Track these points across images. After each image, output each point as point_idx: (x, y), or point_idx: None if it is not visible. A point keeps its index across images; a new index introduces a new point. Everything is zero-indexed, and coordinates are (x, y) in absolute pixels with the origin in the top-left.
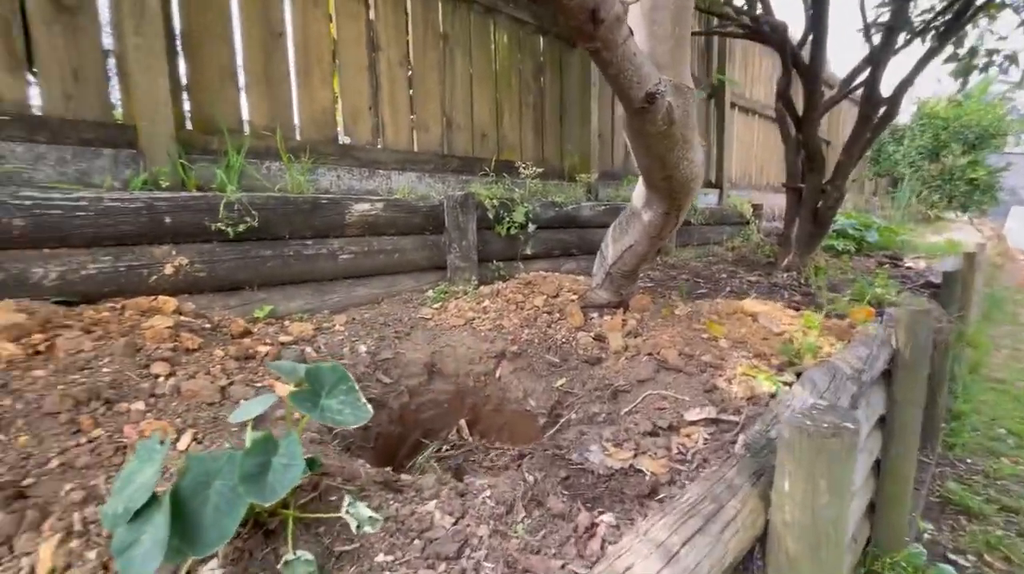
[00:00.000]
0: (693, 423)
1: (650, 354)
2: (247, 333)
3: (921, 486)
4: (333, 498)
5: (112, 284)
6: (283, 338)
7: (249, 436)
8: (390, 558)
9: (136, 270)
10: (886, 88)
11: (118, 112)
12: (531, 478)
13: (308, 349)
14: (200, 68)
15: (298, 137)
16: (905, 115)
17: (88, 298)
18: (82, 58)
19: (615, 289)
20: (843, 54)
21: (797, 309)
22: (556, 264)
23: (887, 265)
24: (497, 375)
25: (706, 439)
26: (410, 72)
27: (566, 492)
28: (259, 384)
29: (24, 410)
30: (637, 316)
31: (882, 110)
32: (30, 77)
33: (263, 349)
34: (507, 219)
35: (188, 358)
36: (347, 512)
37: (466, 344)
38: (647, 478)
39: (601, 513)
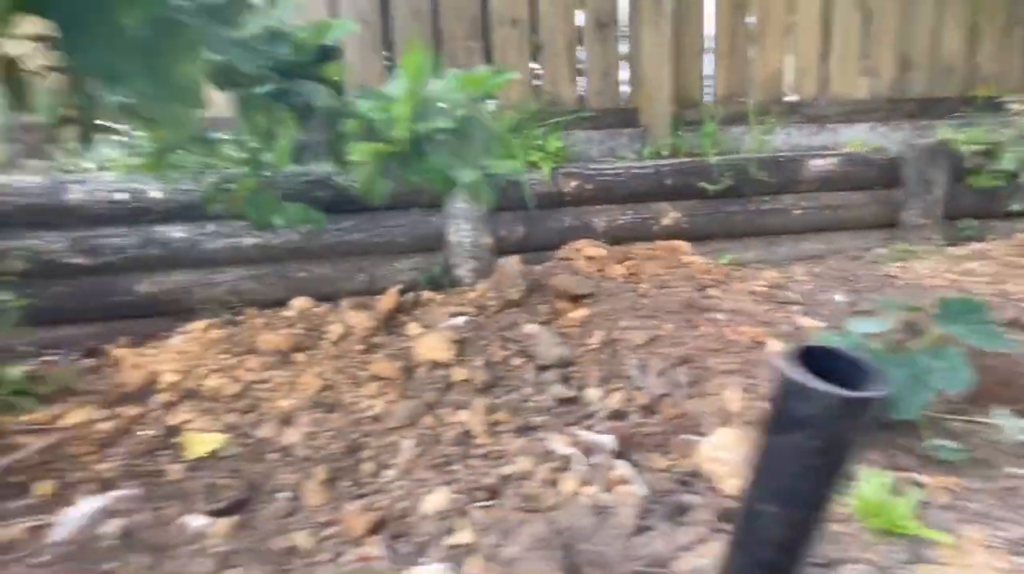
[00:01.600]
0: None
1: None
2: (729, 276)
3: None
4: None
5: (631, 231)
6: (760, 282)
7: (878, 345)
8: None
9: (647, 221)
10: None
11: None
12: None
13: (789, 294)
14: (681, 52)
15: (750, 100)
16: None
17: (617, 241)
18: (607, 61)
19: None
20: None
21: None
22: None
23: None
24: None
25: None
26: (863, 12)
27: None
28: (779, 314)
29: (655, 307)
30: None
31: None
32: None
33: (757, 288)
34: (985, 168)
35: (721, 286)
36: (1003, 423)
37: None
38: None
39: None
